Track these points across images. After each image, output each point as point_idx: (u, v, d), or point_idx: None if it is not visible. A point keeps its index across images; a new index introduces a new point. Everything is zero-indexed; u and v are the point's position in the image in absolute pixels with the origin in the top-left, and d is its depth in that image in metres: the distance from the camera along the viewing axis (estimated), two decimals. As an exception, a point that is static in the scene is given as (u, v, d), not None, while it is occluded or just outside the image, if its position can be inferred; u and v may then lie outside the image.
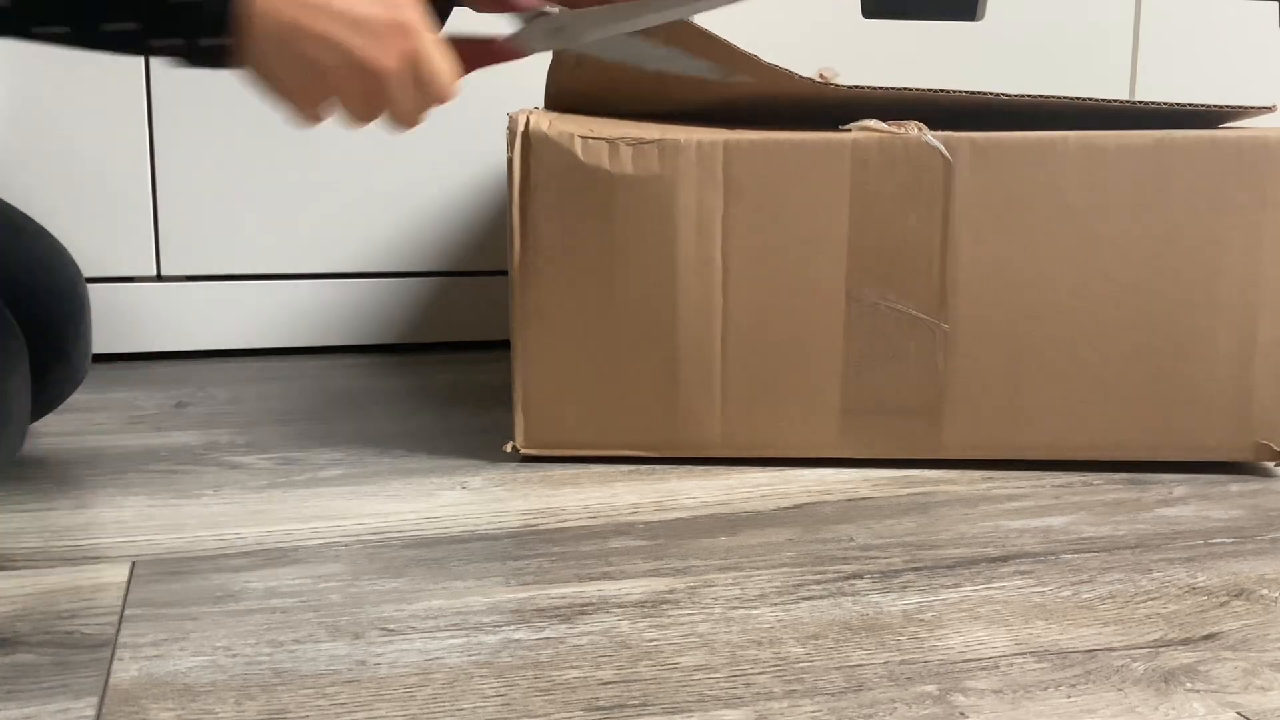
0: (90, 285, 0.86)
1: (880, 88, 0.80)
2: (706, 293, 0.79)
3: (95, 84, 1.05)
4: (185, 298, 1.11)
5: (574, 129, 0.78)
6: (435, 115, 1.15)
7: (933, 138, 0.78)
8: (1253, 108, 0.84)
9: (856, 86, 0.81)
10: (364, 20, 0.62)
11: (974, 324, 0.80)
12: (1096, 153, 0.78)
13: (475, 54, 0.68)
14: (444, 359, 1.13)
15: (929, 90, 0.80)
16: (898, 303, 0.79)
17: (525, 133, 0.78)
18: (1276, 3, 1.31)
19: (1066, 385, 0.80)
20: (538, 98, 0.90)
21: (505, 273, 1.17)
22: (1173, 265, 0.79)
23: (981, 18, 1.23)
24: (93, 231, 1.07)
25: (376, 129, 0.67)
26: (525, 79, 0.86)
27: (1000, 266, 0.79)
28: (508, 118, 0.81)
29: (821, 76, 0.84)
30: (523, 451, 0.82)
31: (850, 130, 0.78)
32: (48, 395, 0.81)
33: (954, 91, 0.80)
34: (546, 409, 0.81)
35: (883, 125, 0.78)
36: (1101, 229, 0.79)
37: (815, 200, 0.78)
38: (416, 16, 0.64)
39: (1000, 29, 1.23)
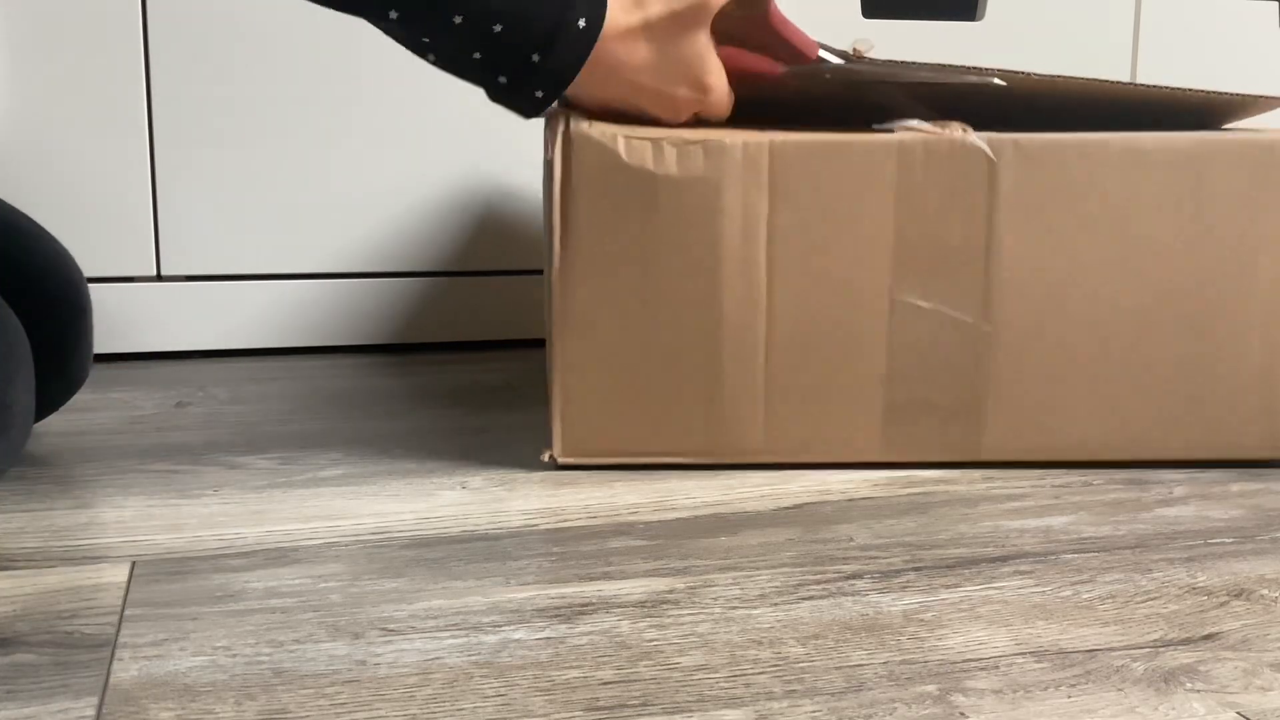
0: (90, 285, 0.86)
1: (894, 62, 0.79)
2: (751, 295, 0.78)
3: (95, 84, 1.06)
4: (185, 298, 1.11)
5: (616, 129, 0.77)
6: (435, 116, 1.15)
7: (977, 138, 0.78)
8: (1267, 97, 0.83)
9: (870, 63, 0.80)
10: (671, 99, 0.77)
11: (1016, 325, 0.80)
12: (1137, 155, 0.78)
13: (748, 80, 0.79)
14: (444, 359, 1.13)
15: (946, 66, 0.79)
16: (941, 304, 0.79)
17: (566, 133, 0.77)
18: (1276, 2, 1.31)
19: (1105, 387, 0.81)
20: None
21: (506, 273, 1.18)
22: (1209, 267, 0.80)
23: (981, 18, 1.23)
24: (93, 231, 1.07)
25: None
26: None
27: (1042, 267, 0.79)
28: (545, 118, 0.80)
29: (855, 51, 0.83)
30: (560, 461, 0.80)
31: (894, 131, 0.78)
32: (48, 399, 0.81)
33: (985, 69, 0.79)
34: (586, 416, 0.80)
35: (927, 126, 0.78)
36: (1141, 231, 0.79)
37: (860, 202, 0.78)
38: (722, 97, 0.78)
39: (1000, 29, 1.23)
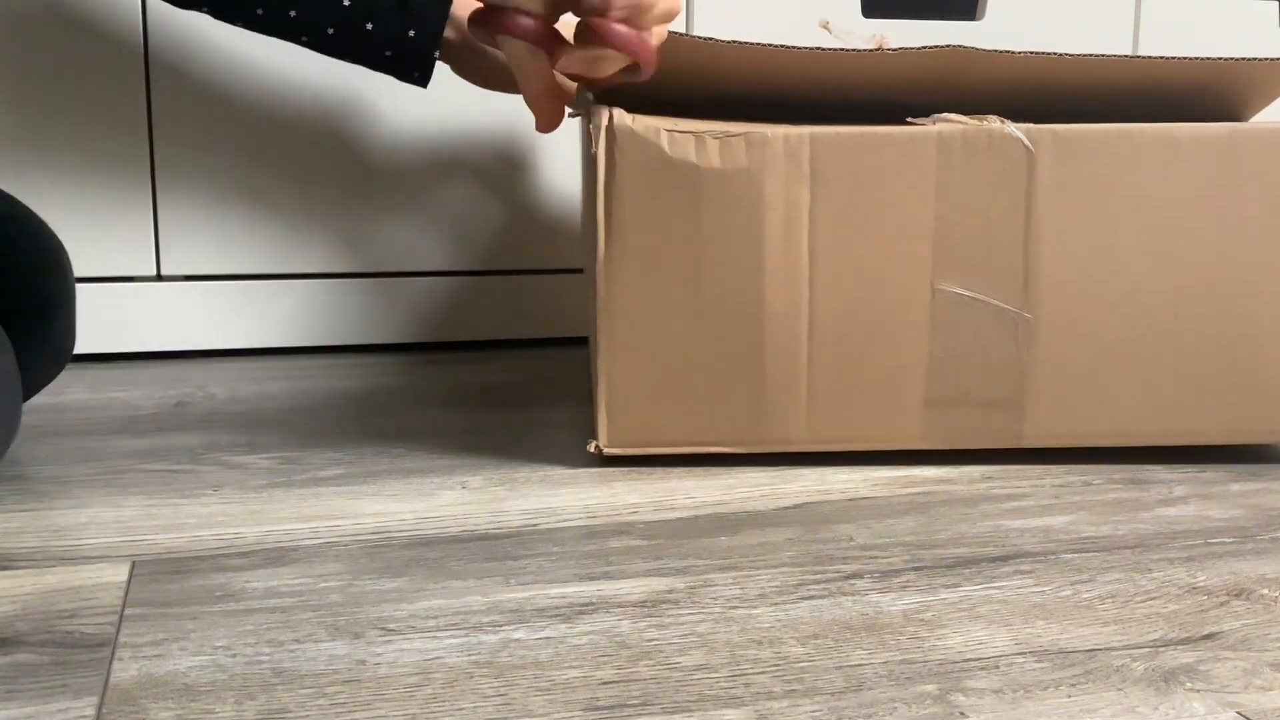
0: (90, 285, 0.86)
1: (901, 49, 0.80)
2: (793, 286, 0.79)
3: (95, 83, 1.06)
4: (185, 298, 1.11)
5: (659, 123, 0.78)
6: (437, 116, 1.15)
7: (1014, 129, 0.78)
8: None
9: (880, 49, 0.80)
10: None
11: (1055, 314, 0.81)
12: (1170, 145, 0.79)
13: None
14: (444, 359, 1.13)
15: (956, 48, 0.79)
16: (982, 294, 0.80)
17: (610, 127, 0.77)
18: (1276, 2, 1.31)
19: (1143, 374, 0.82)
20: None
21: (507, 272, 1.18)
22: (1243, 256, 0.81)
23: (981, 18, 1.23)
24: (93, 231, 1.07)
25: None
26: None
27: (1080, 257, 0.80)
28: (589, 113, 0.81)
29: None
30: (606, 452, 0.81)
31: (933, 122, 0.79)
32: (32, 375, 0.80)
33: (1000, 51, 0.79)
34: (630, 407, 0.80)
35: (965, 118, 0.79)
36: (1176, 220, 0.80)
37: (901, 193, 0.79)
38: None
39: (1000, 29, 1.23)
